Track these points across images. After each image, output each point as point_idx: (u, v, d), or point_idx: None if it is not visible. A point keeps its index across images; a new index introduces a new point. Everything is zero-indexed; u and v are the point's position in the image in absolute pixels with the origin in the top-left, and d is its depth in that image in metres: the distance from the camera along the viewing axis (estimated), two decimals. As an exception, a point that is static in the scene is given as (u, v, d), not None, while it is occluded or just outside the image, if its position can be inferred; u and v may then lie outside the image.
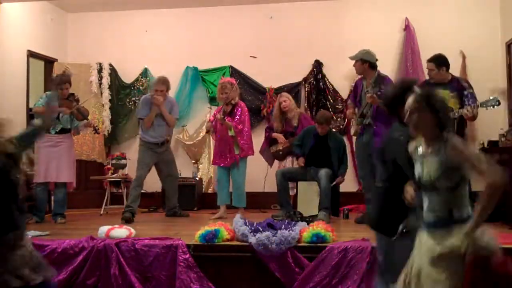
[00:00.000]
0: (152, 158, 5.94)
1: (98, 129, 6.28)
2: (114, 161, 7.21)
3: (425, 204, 2.39)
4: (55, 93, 5.59)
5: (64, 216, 5.69)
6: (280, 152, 6.18)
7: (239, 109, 5.87)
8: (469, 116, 4.70)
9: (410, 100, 2.38)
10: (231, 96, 5.81)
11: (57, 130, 5.71)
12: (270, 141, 6.31)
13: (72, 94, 5.87)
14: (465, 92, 4.87)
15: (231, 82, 5.98)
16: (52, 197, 6.10)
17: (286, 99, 6.19)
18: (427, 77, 6.85)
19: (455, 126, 4.77)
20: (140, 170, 5.87)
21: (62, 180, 5.68)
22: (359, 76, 5.59)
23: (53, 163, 5.57)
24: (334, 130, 6.66)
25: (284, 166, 6.15)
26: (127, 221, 5.35)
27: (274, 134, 6.21)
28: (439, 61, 4.96)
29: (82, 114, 5.79)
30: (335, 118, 7.12)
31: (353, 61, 5.38)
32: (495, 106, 4.66)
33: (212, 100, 7.59)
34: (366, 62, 5.23)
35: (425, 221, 2.39)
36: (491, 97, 4.70)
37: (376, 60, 5.30)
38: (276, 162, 6.37)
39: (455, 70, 5.67)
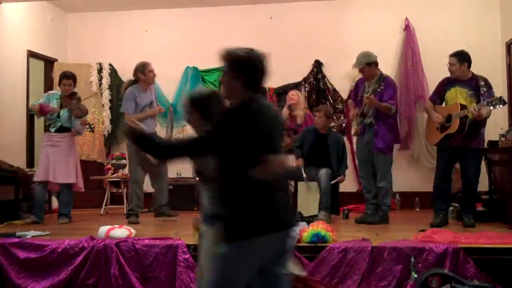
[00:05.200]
0: (140, 155, 5.37)
1: (93, 127, 6.24)
2: (114, 161, 7.19)
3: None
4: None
5: (69, 217, 5.65)
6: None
7: None
8: (475, 114, 4.67)
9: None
10: None
11: (57, 128, 5.63)
12: None
13: (75, 93, 5.80)
14: (481, 91, 4.85)
15: None
16: (55, 198, 6.11)
17: (294, 93, 6.36)
18: (426, 77, 6.94)
19: (466, 124, 4.76)
20: (136, 172, 5.57)
21: (58, 181, 5.59)
22: (360, 76, 5.58)
23: (51, 163, 5.52)
24: (334, 129, 6.69)
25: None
26: (133, 222, 5.31)
27: None
28: (462, 56, 4.94)
29: (80, 110, 5.72)
30: (335, 117, 7.07)
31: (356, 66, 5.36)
32: (501, 105, 4.65)
33: (212, 100, 7.58)
34: (372, 64, 5.22)
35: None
36: (497, 96, 4.70)
37: (376, 56, 5.29)
38: None
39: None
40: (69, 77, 5.71)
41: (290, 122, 6.25)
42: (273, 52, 8.21)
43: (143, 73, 5.60)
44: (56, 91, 5.95)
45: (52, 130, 5.63)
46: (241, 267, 2.12)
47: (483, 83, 4.90)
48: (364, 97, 5.16)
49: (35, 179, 5.60)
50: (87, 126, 5.96)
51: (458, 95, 4.95)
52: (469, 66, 4.97)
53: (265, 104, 2.35)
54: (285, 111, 6.30)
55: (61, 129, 5.65)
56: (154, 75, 5.69)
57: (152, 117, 5.67)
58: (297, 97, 6.30)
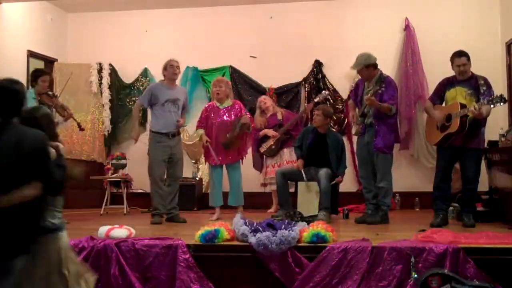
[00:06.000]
0: (164, 153, 5.53)
1: (81, 125, 6.18)
2: (114, 161, 7.20)
3: None
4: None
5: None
6: (273, 147, 6.31)
7: (241, 106, 5.90)
8: (476, 113, 4.67)
9: None
10: (225, 92, 5.80)
11: None
12: (258, 142, 6.42)
13: (50, 90, 5.72)
14: (481, 90, 4.85)
15: (226, 79, 6.19)
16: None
17: (266, 98, 6.73)
18: (426, 77, 6.93)
19: (467, 123, 4.76)
20: (153, 169, 5.51)
21: None
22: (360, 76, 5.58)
23: None
24: (333, 129, 6.72)
25: (279, 164, 6.25)
26: (154, 223, 5.39)
27: (263, 132, 6.36)
28: (468, 56, 4.97)
29: (63, 109, 5.67)
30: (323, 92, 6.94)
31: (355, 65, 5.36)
32: (501, 103, 4.64)
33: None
34: (370, 66, 5.22)
35: None
36: (497, 94, 4.70)
37: (375, 58, 5.29)
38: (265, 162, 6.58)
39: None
40: (47, 73, 5.63)
41: (270, 120, 6.49)
42: (273, 52, 8.37)
43: (165, 69, 5.69)
44: (29, 90, 5.69)
45: None
46: None
47: (482, 82, 4.90)
48: (364, 99, 5.16)
49: None
50: (76, 125, 5.92)
51: (458, 95, 4.95)
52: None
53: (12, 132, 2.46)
54: (258, 115, 6.60)
55: None
56: (174, 70, 5.65)
57: (172, 110, 5.61)
58: (269, 101, 6.67)
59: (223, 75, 7.48)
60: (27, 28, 7.12)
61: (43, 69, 5.70)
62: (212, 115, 5.81)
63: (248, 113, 5.93)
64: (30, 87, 5.74)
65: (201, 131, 5.85)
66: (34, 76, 5.67)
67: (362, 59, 5.22)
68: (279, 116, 6.49)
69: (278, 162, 6.34)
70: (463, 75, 4.96)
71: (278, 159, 6.39)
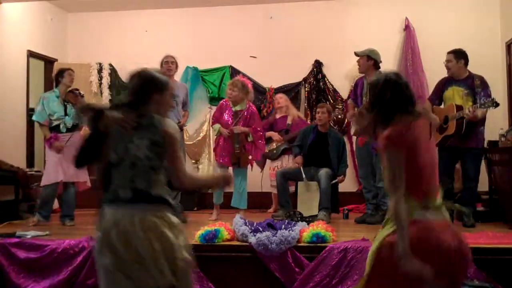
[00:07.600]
0: None
1: None
2: (114, 161, 7.18)
3: None
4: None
5: (73, 219, 5.46)
6: (274, 151, 6.28)
7: (252, 112, 5.74)
8: (470, 116, 4.67)
9: None
10: (238, 96, 5.62)
11: (69, 127, 5.37)
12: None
13: (76, 89, 5.55)
14: (477, 90, 4.86)
15: (243, 82, 5.75)
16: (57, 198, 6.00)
17: (281, 97, 6.62)
18: (426, 77, 6.93)
19: (463, 125, 4.76)
20: None
21: (74, 180, 5.43)
22: (360, 76, 5.59)
23: (63, 163, 5.28)
24: (334, 128, 6.72)
25: (280, 166, 6.22)
26: None
27: (269, 133, 6.34)
28: (459, 54, 4.97)
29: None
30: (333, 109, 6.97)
31: (357, 58, 5.36)
32: (493, 107, 4.64)
33: (212, 100, 7.59)
34: (371, 60, 5.22)
35: None
36: (489, 99, 4.70)
37: (380, 61, 5.30)
38: (266, 164, 6.56)
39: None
40: (71, 69, 5.52)
41: (280, 122, 6.43)
42: (273, 52, 8.34)
43: (161, 65, 5.60)
44: (48, 92, 5.64)
45: (64, 130, 5.37)
46: None
47: (478, 82, 4.91)
48: (364, 100, 5.16)
49: (46, 183, 5.31)
50: None
51: (455, 95, 4.97)
52: (465, 64, 4.98)
53: None
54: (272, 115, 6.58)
55: (72, 127, 5.43)
56: (168, 66, 5.55)
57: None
58: (283, 101, 6.51)
59: (223, 75, 7.49)
60: (27, 28, 7.12)
61: (66, 68, 5.57)
62: (223, 114, 5.72)
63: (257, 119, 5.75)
64: (54, 87, 5.63)
65: (218, 126, 5.69)
66: (59, 73, 5.50)
67: (369, 50, 5.26)
68: (289, 121, 6.36)
69: (278, 165, 6.30)
70: (448, 71, 4.99)
71: (278, 163, 6.35)
